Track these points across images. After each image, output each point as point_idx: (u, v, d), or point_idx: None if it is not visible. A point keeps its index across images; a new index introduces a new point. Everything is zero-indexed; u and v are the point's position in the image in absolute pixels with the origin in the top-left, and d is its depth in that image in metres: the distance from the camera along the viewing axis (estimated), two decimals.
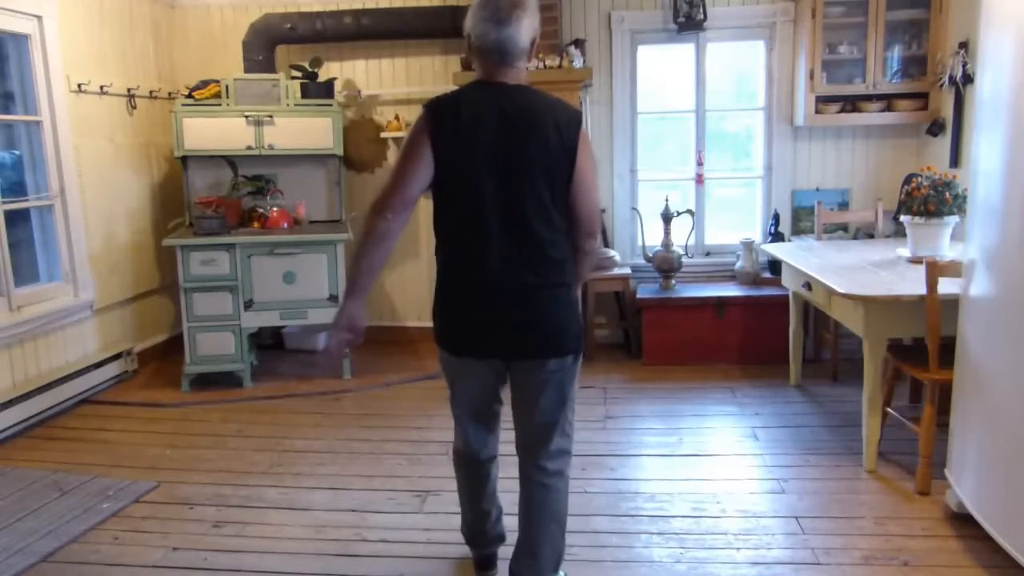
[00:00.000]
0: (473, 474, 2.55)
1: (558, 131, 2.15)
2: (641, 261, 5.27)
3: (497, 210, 2.17)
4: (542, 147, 2.14)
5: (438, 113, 2.17)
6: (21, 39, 4.25)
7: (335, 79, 5.34)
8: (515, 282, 2.21)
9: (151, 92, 5.26)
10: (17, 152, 4.37)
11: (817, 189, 5.27)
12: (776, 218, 5.20)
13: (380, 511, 3.19)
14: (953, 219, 3.60)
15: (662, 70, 5.41)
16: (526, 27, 2.14)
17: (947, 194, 3.57)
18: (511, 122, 2.14)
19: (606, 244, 5.39)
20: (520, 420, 2.40)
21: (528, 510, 2.40)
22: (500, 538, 2.69)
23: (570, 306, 2.30)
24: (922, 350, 3.20)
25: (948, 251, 3.63)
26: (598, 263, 2.38)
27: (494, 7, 2.12)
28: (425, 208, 5.78)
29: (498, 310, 2.23)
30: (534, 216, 2.18)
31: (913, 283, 3.26)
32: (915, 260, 3.66)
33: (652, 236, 5.22)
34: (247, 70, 5.17)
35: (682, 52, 5.31)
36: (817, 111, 4.96)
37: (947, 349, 3.01)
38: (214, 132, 4.97)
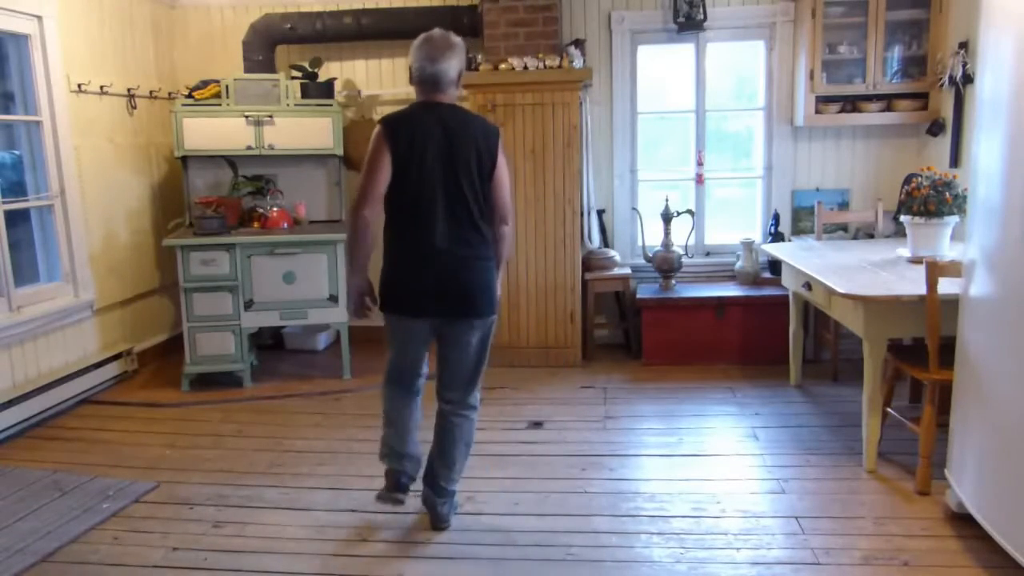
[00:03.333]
0: (406, 399, 3.05)
1: (485, 139, 2.82)
2: (641, 261, 5.27)
3: (442, 198, 2.77)
4: (473, 151, 2.78)
5: (393, 126, 2.77)
6: (21, 39, 4.25)
7: (335, 79, 5.34)
8: (454, 255, 2.79)
9: (151, 92, 5.26)
10: (17, 152, 4.37)
11: (817, 189, 5.27)
12: (776, 218, 5.20)
13: (380, 511, 3.18)
14: (953, 219, 3.60)
15: (662, 70, 5.41)
16: (454, 64, 2.79)
17: (947, 194, 3.57)
18: (451, 132, 2.77)
19: (606, 244, 5.39)
20: (449, 367, 2.95)
21: (445, 435, 2.98)
22: (417, 460, 3.10)
23: (492, 276, 2.90)
24: (922, 350, 3.20)
25: (948, 251, 3.63)
26: (512, 248, 3.10)
27: (428, 48, 2.77)
28: None
29: (440, 278, 2.80)
30: (470, 203, 2.80)
31: (913, 283, 3.26)
32: (915, 260, 3.66)
33: (652, 236, 5.22)
34: (247, 70, 5.17)
35: (682, 52, 5.31)
36: (817, 111, 4.96)
37: (947, 349, 3.01)
38: (214, 132, 4.97)
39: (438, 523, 3.02)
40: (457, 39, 2.83)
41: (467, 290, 2.83)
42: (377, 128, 2.77)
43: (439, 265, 2.79)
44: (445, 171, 2.76)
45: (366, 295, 2.92)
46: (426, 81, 2.79)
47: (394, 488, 3.04)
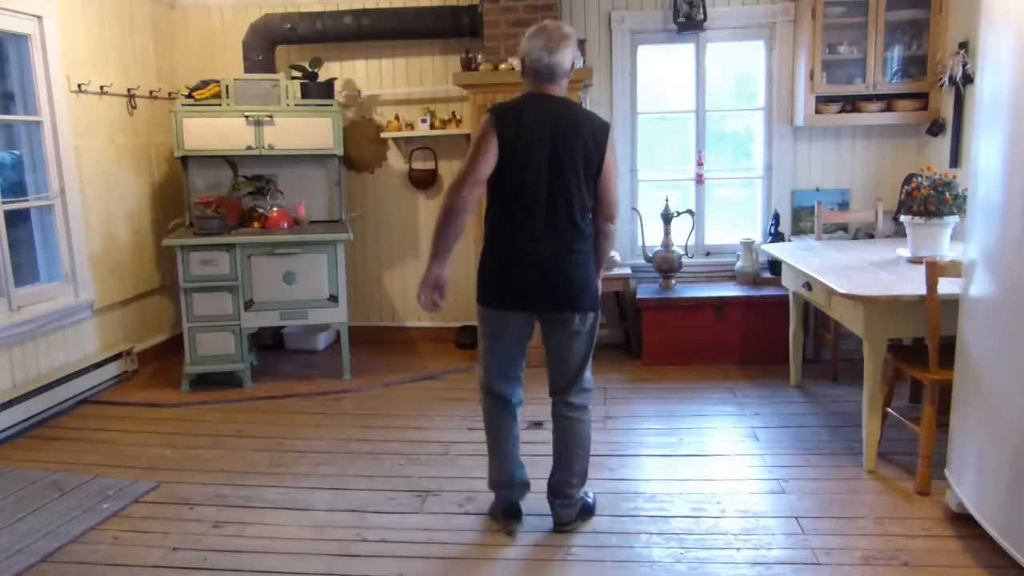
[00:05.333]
0: (502, 415, 2.98)
1: (593, 136, 2.76)
2: (641, 261, 5.27)
3: (545, 191, 2.74)
4: (581, 146, 2.74)
5: (503, 114, 2.75)
6: (21, 39, 4.25)
7: (335, 79, 5.34)
8: (553, 251, 2.77)
9: (151, 92, 5.26)
10: (17, 152, 4.37)
11: (817, 189, 5.27)
12: (776, 218, 5.20)
13: (380, 511, 3.19)
14: (953, 219, 3.60)
15: (662, 70, 5.41)
16: (569, 54, 2.76)
17: (947, 194, 3.57)
18: (559, 126, 2.73)
19: None
20: (553, 366, 2.94)
21: (562, 437, 2.97)
22: (526, 484, 3.08)
23: (589, 272, 2.85)
24: (922, 350, 3.20)
25: (948, 251, 3.63)
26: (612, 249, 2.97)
27: (546, 38, 2.72)
28: (425, 209, 5.80)
29: (537, 273, 2.77)
30: (572, 198, 2.75)
31: (913, 283, 3.26)
32: (915, 260, 3.66)
33: (652, 236, 5.22)
34: (247, 70, 5.17)
35: (682, 52, 5.31)
36: (817, 111, 4.96)
37: (947, 349, 3.01)
38: (214, 132, 4.98)
39: (556, 523, 3.00)
40: (570, 29, 2.78)
41: (564, 284, 2.78)
42: (486, 115, 2.75)
43: (537, 260, 2.76)
44: (551, 166, 2.72)
45: (440, 287, 2.82)
46: (541, 72, 2.74)
47: (505, 516, 3.03)
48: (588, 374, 2.96)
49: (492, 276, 2.84)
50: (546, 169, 2.72)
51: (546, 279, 2.77)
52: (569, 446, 2.96)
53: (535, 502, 3.15)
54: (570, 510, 2.99)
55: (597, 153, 2.75)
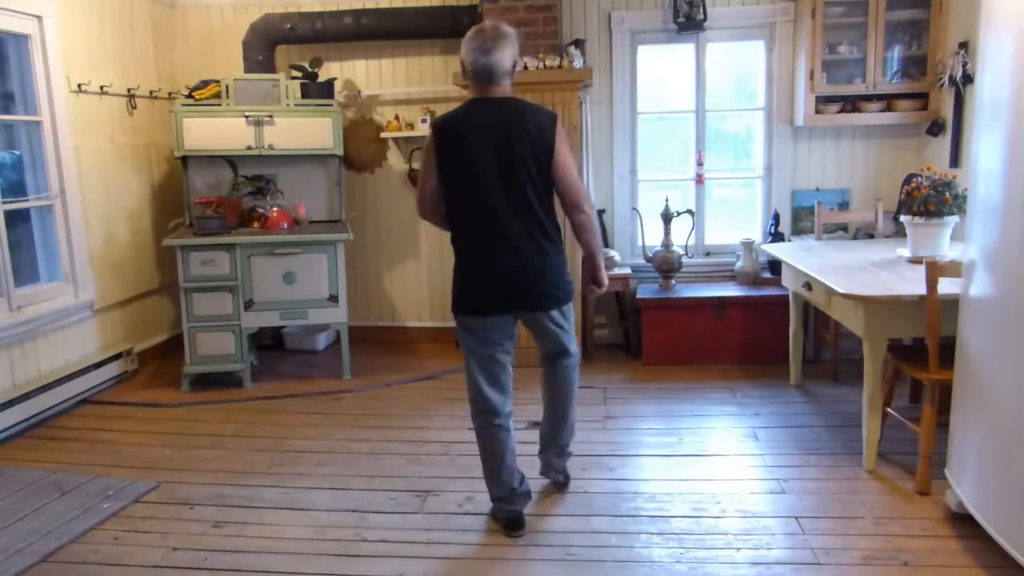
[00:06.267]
0: (495, 433, 2.95)
1: (538, 127, 2.74)
2: (641, 261, 5.27)
3: (499, 195, 2.74)
4: (527, 142, 2.73)
5: (442, 129, 2.80)
6: (21, 39, 4.25)
7: (335, 79, 5.34)
8: (522, 251, 2.79)
9: (151, 92, 5.26)
10: (17, 152, 4.37)
11: (817, 189, 5.27)
12: (776, 218, 5.20)
13: (380, 511, 3.19)
14: (953, 219, 3.60)
15: (662, 70, 5.41)
16: (507, 55, 2.75)
17: (947, 194, 3.57)
18: (502, 128, 2.73)
19: (606, 244, 5.39)
20: (541, 345, 3.08)
21: (555, 383, 3.13)
22: (528, 494, 3.08)
23: (561, 267, 2.90)
24: (922, 350, 3.20)
25: (948, 251, 3.63)
26: (598, 239, 2.99)
27: (480, 40, 2.73)
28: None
29: (511, 277, 2.80)
30: (530, 197, 2.76)
31: (913, 283, 3.26)
32: (915, 260, 3.66)
33: (652, 236, 5.23)
34: (247, 70, 5.17)
35: (682, 52, 5.31)
36: (817, 111, 4.96)
37: (947, 349, 3.01)
38: (214, 132, 4.98)
39: (545, 471, 3.25)
40: (509, 29, 2.79)
41: (538, 286, 2.84)
42: (429, 132, 2.85)
43: (508, 266, 2.79)
44: (501, 169, 2.72)
45: None
46: (480, 74, 2.74)
47: (507, 526, 2.98)
48: (572, 336, 3.08)
49: (465, 285, 2.87)
50: (496, 174, 2.73)
51: (519, 284, 2.81)
52: (562, 393, 3.14)
53: (535, 501, 3.16)
54: (563, 460, 3.26)
55: (544, 146, 2.73)
